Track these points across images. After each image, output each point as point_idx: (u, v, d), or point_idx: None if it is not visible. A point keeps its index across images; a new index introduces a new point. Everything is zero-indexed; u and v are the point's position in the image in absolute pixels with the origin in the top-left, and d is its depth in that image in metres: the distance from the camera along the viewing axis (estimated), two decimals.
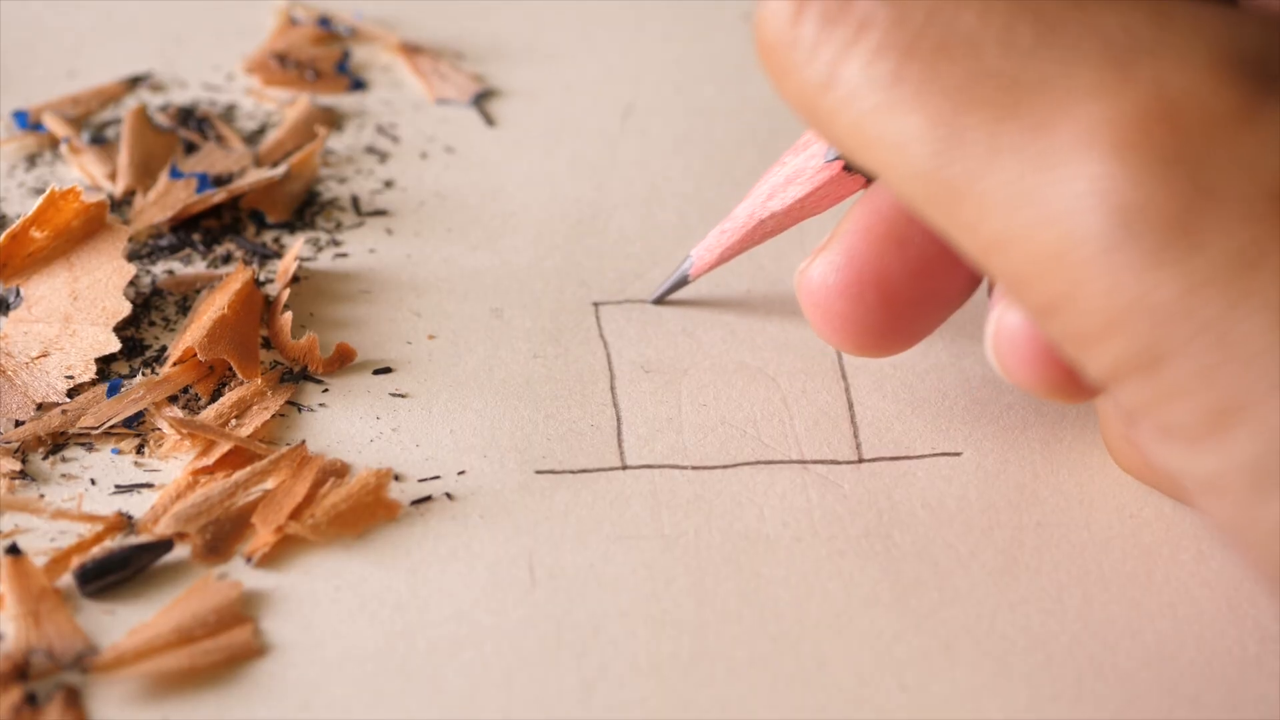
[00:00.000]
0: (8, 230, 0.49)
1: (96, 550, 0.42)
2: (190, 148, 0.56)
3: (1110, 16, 0.34)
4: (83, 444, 0.46)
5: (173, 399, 0.47)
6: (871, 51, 0.36)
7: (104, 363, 0.48)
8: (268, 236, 0.53)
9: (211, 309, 0.49)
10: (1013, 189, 0.34)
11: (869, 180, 0.44)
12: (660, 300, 0.51)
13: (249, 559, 0.42)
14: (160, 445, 0.45)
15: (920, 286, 0.43)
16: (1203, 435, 0.33)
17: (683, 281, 0.50)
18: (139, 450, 0.45)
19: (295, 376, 0.48)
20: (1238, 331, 0.32)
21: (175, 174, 0.54)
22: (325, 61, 0.61)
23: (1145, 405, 0.34)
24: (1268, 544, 0.33)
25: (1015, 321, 0.39)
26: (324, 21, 0.63)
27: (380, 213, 0.54)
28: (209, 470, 0.45)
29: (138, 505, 0.44)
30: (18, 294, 0.49)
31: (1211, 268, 0.32)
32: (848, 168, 0.44)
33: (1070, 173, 0.33)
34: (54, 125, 0.57)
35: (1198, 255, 0.32)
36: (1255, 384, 0.32)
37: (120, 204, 0.54)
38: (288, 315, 0.49)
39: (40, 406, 0.46)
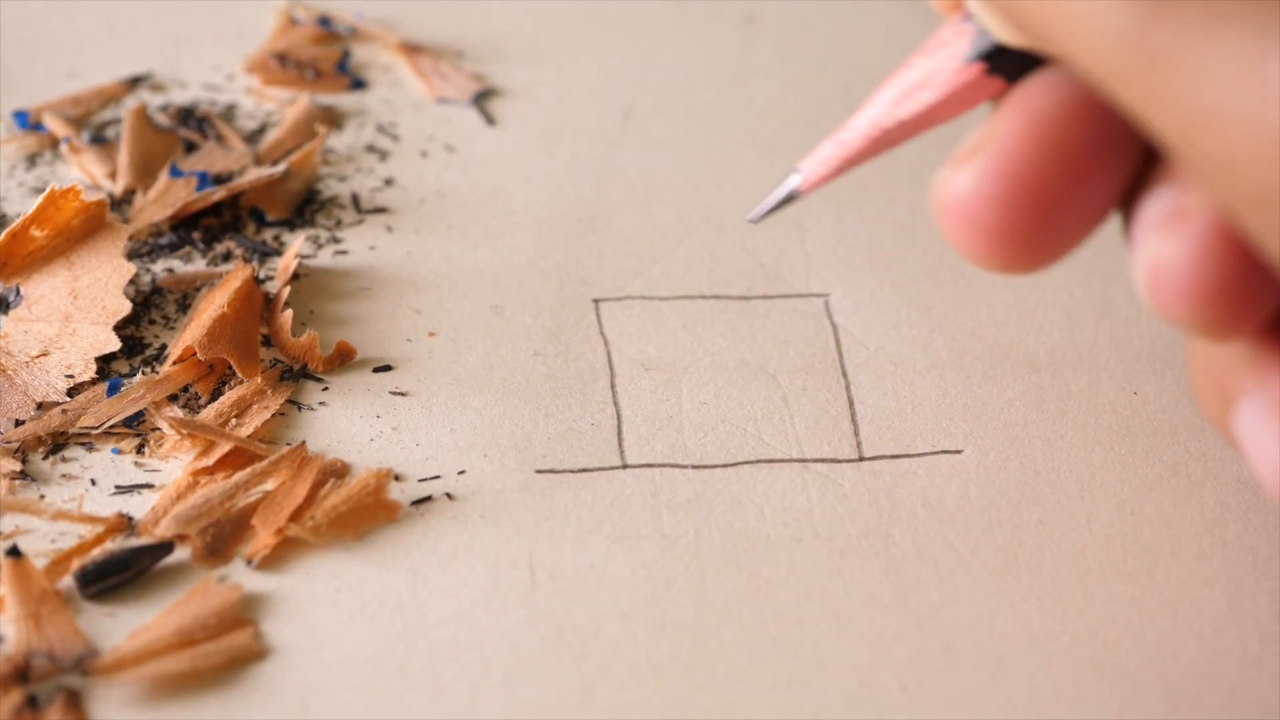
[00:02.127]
0: (8, 229, 0.49)
1: (97, 552, 0.42)
2: (190, 147, 0.56)
3: None
4: (83, 444, 0.46)
5: (173, 398, 0.47)
6: None
7: (104, 362, 0.48)
8: (268, 234, 0.53)
9: (211, 307, 0.49)
10: (1234, 62, 0.30)
11: (1011, 80, 0.40)
12: (761, 219, 0.46)
13: (249, 561, 0.42)
14: (160, 445, 0.45)
15: (1078, 193, 0.38)
16: None
17: (791, 198, 0.45)
18: (139, 450, 0.45)
19: (295, 375, 0.48)
20: None
21: (175, 173, 0.54)
22: (325, 61, 0.61)
23: None
24: None
25: (1177, 253, 0.35)
26: (324, 21, 0.63)
27: (380, 210, 0.54)
28: (209, 471, 0.45)
29: (138, 506, 0.44)
30: (18, 293, 0.49)
31: None
32: (991, 70, 0.40)
33: None
34: (54, 125, 0.57)
35: None
36: None
37: (120, 203, 0.54)
38: (288, 313, 0.49)
39: (40, 406, 0.46)
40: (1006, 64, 0.40)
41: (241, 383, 0.47)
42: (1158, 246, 0.36)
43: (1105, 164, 0.38)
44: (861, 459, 0.46)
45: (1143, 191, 0.38)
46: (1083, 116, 0.38)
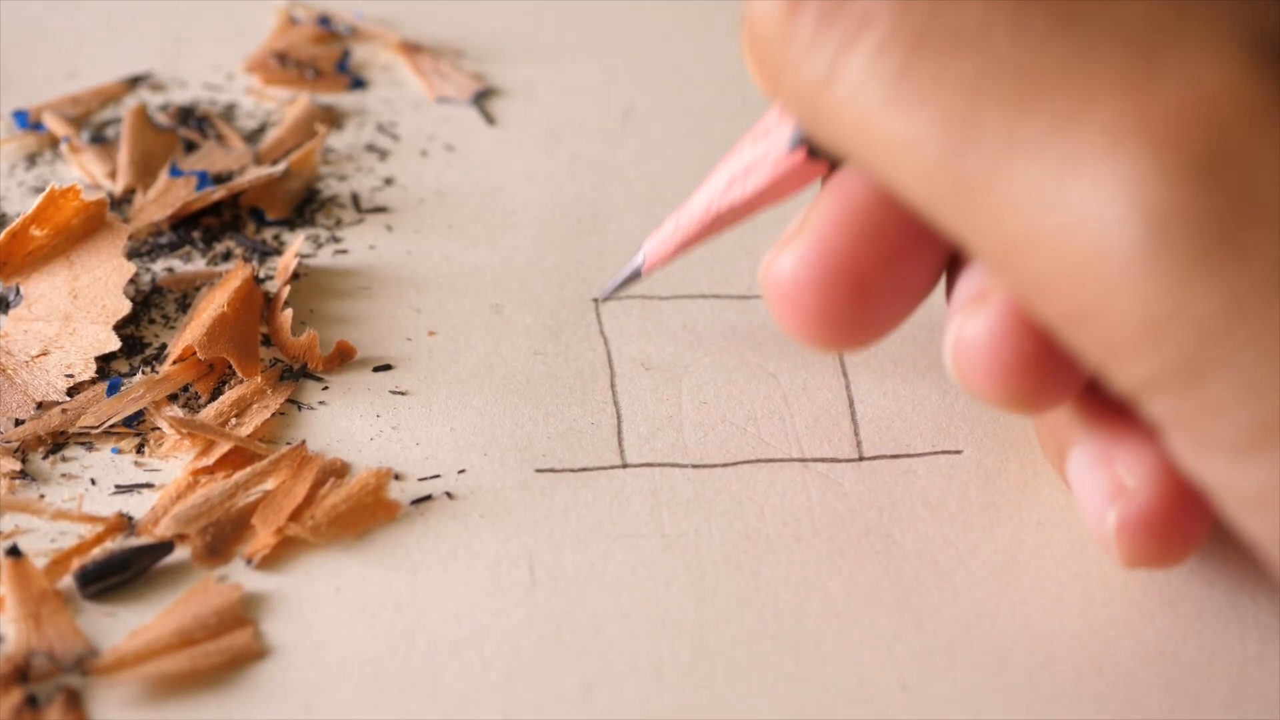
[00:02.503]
0: (8, 229, 0.49)
1: (97, 552, 0.42)
2: (190, 146, 0.56)
3: (1127, 1, 0.33)
4: (83, 443, 0.46)
5: (173, 397, 0.47)
6: (876, 46, 0.34)
7: (104, 361, 0.48)
8: (268, 234, 0.53)
9: (211, 307, 0.49)
10: (1035, 189, 0.32)
11: (832, 167, 0.42)
12: (609, 297, 0.49)
13: (249, 561, 0.42)
14: (160, 445, 0.45)
15: (893, 276, 0.40)
16: (1247, 449, 0.32)
17: (635, 277, 0.48)
18: (139, 450, 0.45)
19: (295, 374, 0.48)
20: None
21: (175, 172, 0.54)
22: (325, 60, 0.61)
23: (1183, 418, 0.32)
24: None
25: (977, 331, 0.37)
26: (324, 20, 0.63)
27: (380, 210, 0.54)
28: (209, 470, 0.45)
29: (138, 505, 0.44)
30: (18, 292, 0.49)
31: (1257, 278, 0.30)
32: (812, 155, 0.42)
33: (1099, 173, 0.31)
34: (54, 124, 0.57)
35: (1243, 264, 0.30)
36: None
37: (120, 202, 0.54)
38: (288, 312, 0.49)
39: (40, 405, 0.46)
40: (827, 150, 0.40)
41: (241, 382, 0.47)
42: (960, 324, 0.37)
43: (920, 249, 0.39)
44: (861, 458, 0.46)
45: (957, 271, 0.40)
46: (896, 203, 0.39)
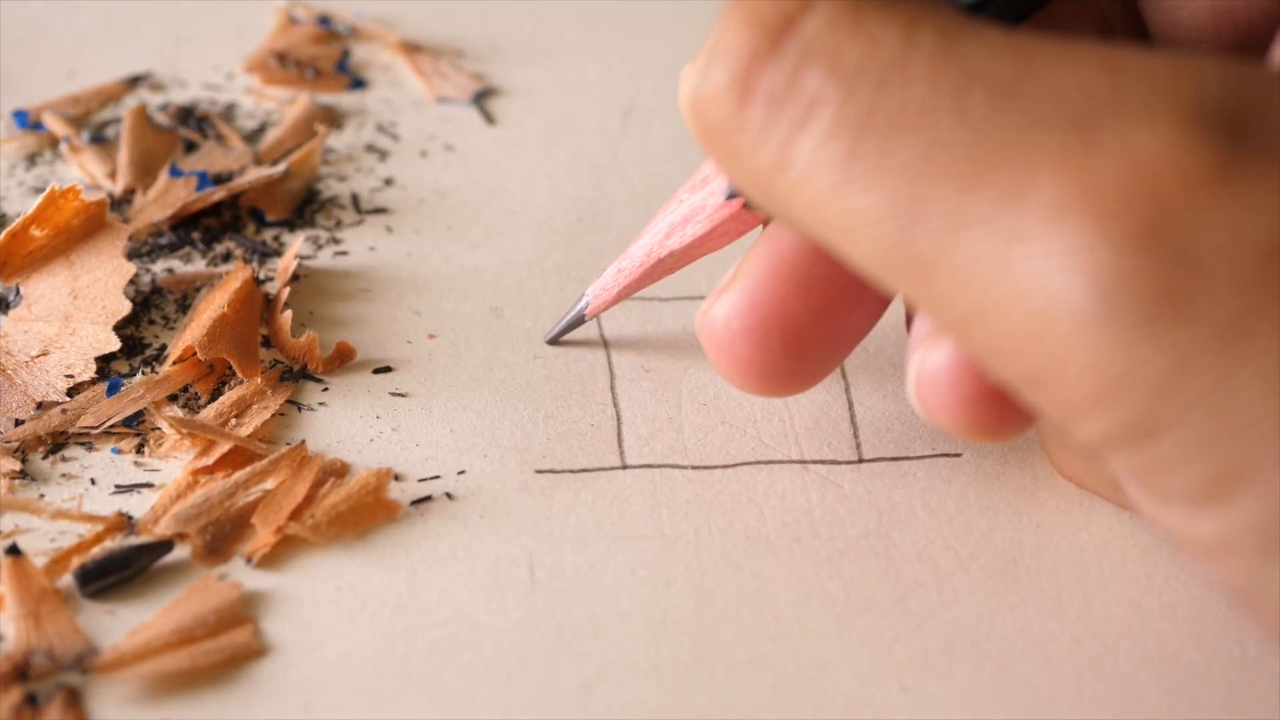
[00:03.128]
0: (8, 229, 0.49)
1: (97, 551, 0.42)
2: (190, 147, 0.56)
3: (1062, 75, 0.33)
4: (83, 443, 0.46)
5: (172, 398, 0.47)
6: (824, 130, 0.34)
7: (104, 361, 0.48)
8: (267, 235, 0.53)
9: (211, 307, 0.49)
10: (984, 263, 0.33)
11: (769, 218, 0.42)
12: (555, 341, 0.50)
13: (249, 559, 0.42)
14: (160, 445, 0.45)
15: (824, 327, 0.41)
16: (1203, 501, 0.33)
17: (579, 321, 0.49)
18: (139, 450, 0.45)
19: (295, 375, 0.48)
20: (1234, 401, 0.31)
21: (175, 173, 0.54)
22: (325, 60, 0.61)
23: (1140, 473, 0.33)
24: (1276, 605, 0.33)
25: (938, 364, 0.38)
26: (324, 20, 0.63)
27: (380, 211, 0.54)
28: (209, 470, 0.45)
29: (138, 505, 0.44)
30: (18, 293, 0.49)
31: (1203, 338, 0.31)
32: (748, 205, 0.43)
33: (1045, 246, 0.32)
34: (54, 124, 0.57)
35: (1187, 326, 0.31)
36: (1256, 451, 0.31)
37: (120, 203, 0.54)
38: (287, 314, 0.49)
39: (40, 406, 0.46)
40: None
41: (241, 383, 0.47)
42: (921, 358, 0.38)
43: (851, 300, 0.41)
44: (861, 461, 0.46)
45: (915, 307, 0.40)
46: (828, 255, 0.40)
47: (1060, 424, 0.34)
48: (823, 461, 0.46)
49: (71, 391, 0.47)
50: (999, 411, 0.37)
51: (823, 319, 0.41)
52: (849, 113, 0.34)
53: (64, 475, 0.45)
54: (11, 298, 0.49)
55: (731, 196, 0.43)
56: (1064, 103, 0.33)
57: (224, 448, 0.45)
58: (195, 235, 0.53)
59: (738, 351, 0.41)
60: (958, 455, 0.46)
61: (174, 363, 0.48)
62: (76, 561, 0.42)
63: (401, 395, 0.47)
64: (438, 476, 0.45)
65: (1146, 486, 0.34)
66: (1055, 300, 0.32)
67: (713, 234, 0.44)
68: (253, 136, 0.57)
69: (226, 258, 0.52)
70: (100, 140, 0.57)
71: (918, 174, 0.33)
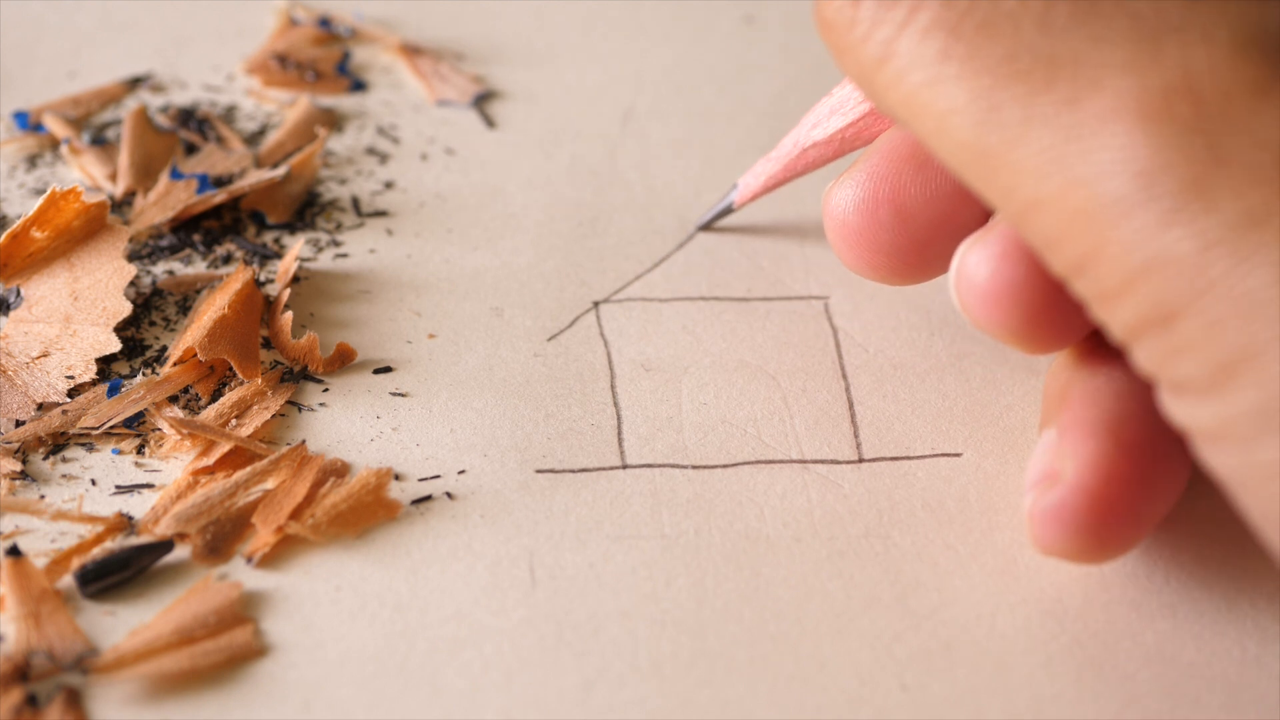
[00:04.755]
0: (8, 230, 0.49)
1: (97, 551, 0.42)
2: (191, 149, 0.56)
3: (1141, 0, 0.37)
4: (83, 444, 0.46)
5: (173, 399, 0.47)
6: (922, 30, 0.38)
7: (104, 363, 0.48)
8: (268, 237, 0.53)
9: (212, 309, 0.49)
10: (1046, 157, 0.36)
11: None
12: (706, 227, 0.53)
13: (249, 559, 0.42)
14: (160, 445, 0.45)
15: (936, 210, 0.44)
16: (1210, 388, 0.35)
17: (727, 210, 0.52)
18: (139, 450, 0.45)
19: (295, 376, 0.48)
20: (1243, 286, 0.34)
21: (176, 175, 0.54)
22: (325, 62, 0.61)
23: (1160, 362, 0.36)
24: (1268, 487, 0.34)
25: (977, 259, 0.41)
26: (324, 22, 0.63)
27: (380, 213, 0.54)
28: (209, 470, 0.45)
29: (138, 506, 0.44)
30: (18, 294, 0.49)
31: (1222, 227, 0.34)
32: None
33: (1099, 143, 0.35)
34: (54, 126, 0.57)
35: (1210, 215, 0.34)
36: (1258, 335, 0.34)
37: (121, 205, 0.54)
38: (288, 315, 0.49)
39: (41, 406, 0.46)
40: None
41: (242, 384, 0.47)
42: (965, 252, 0.41)
43: (962, 188, 0.44)
44: (861, 460, 0.46)
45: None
46: None
47: (1099, 316, 0.37)
48: (823, 461, 0.46)
49: (72, 392, 0.47)
50: (1039, 313, 0.40)
51: (934, 202, 0.44)
52: (945, 15, 0.38)
53: (64, 476, 0.45)
54: (12, 299, 0.49)
55: None
56: (1138, 22, 0.37)
57: (224, 448, 0.45)
58: (196, 237, 0.53)
59: (851, 224, 0.45)
60: (958, 455, 0.46)
61: (174, 364, 0.48)
62: (77, 562, 0.42)
63: (402, 395, 0.47)
64: (438, 476, 0.45)
65: (1165, 379, 0.36)
66: (1102, 189, 0.35)
67: (854, 128, 0.47)
68: (253, 139, 0.57)
69: (227, 260, 0.52)
70: (101, 142, 0.57)
71: (997, 74, 0.37)
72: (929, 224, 0.45)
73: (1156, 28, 0.37)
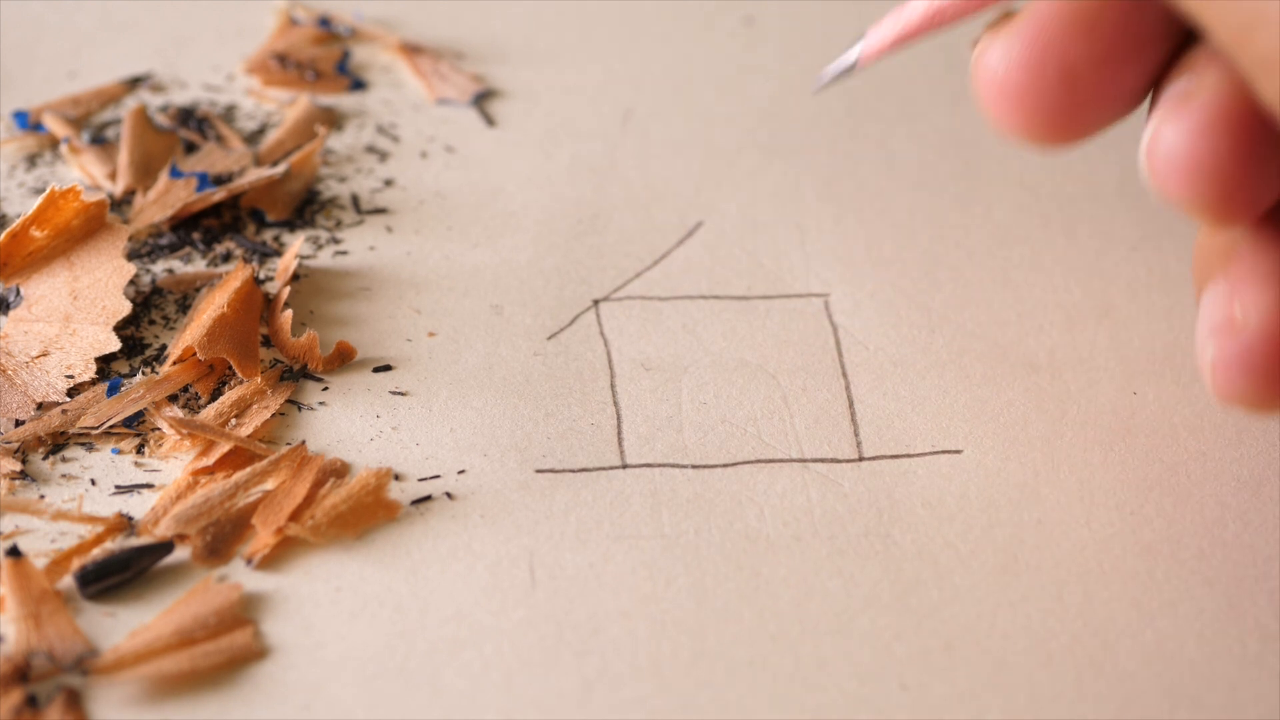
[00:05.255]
0: (8, 230, 0.49)
1: (97, 552, 0.42)
2: (190, 148, 0.56)
3: None
4: (83, 444, 0.46)
5: (173, 398, 0.47)
6: None
7: (104, 362, 0.48)
8: (268, 235, 0.53)
9: (211, 307, 0.49)
10: None
11: None
12: (824, 88, 0.49)
13: (249, 561, 0.42)
14: (160, 445, 0.45)
15: (1102, 74, 0.42)
16: None
17: (851, 67, 0.48)
18: (139, 450, 0.45)
19: (295, 374, 0.48)
20: None
21: (175, 173, 0.54)
22: (325, 62, 0.61)
23: None
24: None
25: (1175, 131, 0.39)
26: (324, 22, 0.63)
27: (380, 211, 0.54)
28: (209, 470, 0.45)
29: (138, 506, 0.44)
30: (18, 293, 0.49)
31: None
32: None
33: None
34: (54, 125, 0.57)
35: None
36: None
37: (120, 203, 0.54)
38: (288, 313, 0.49)
39: (40, 406, 0.46)
40: None
41: (241, 383, 0.47)
42: (1159, 126, 0.39)
43: (1134, 49, 0.41)
44: (861, 459, 0.46)
45: (1165, 79, 0.41)
46: (1113, 4, 0.41)
47: None
48: (823, 460, 0.46)
49: (72, 392, 0.47)
50: (1236, 186, 0.38)
51: (1102, 64, 0.42)
52: None
53: (64, 476, 0.45)
54: (12, 298, 0.49)
55: None
56: None
57: (224, 448, 0.45)
58: (195, 236, 0.53)
59: (1013, 82, 0.42)
60: (958, 452, 0.46)
61: (174, 363, 0.48)
62: (77, 563, 0.42)
63: (401, 394, 0.47)
64: (438, 476, 0.45)
65: None
66: None
67: None
68: (253, 137, 0.57)
69: (227, 258, 0.52)
70: (100, 141, 0.57)
71: None
72: (1094, 86, 0.42)
73: None
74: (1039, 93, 0.42)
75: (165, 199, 0.53)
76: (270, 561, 0.42)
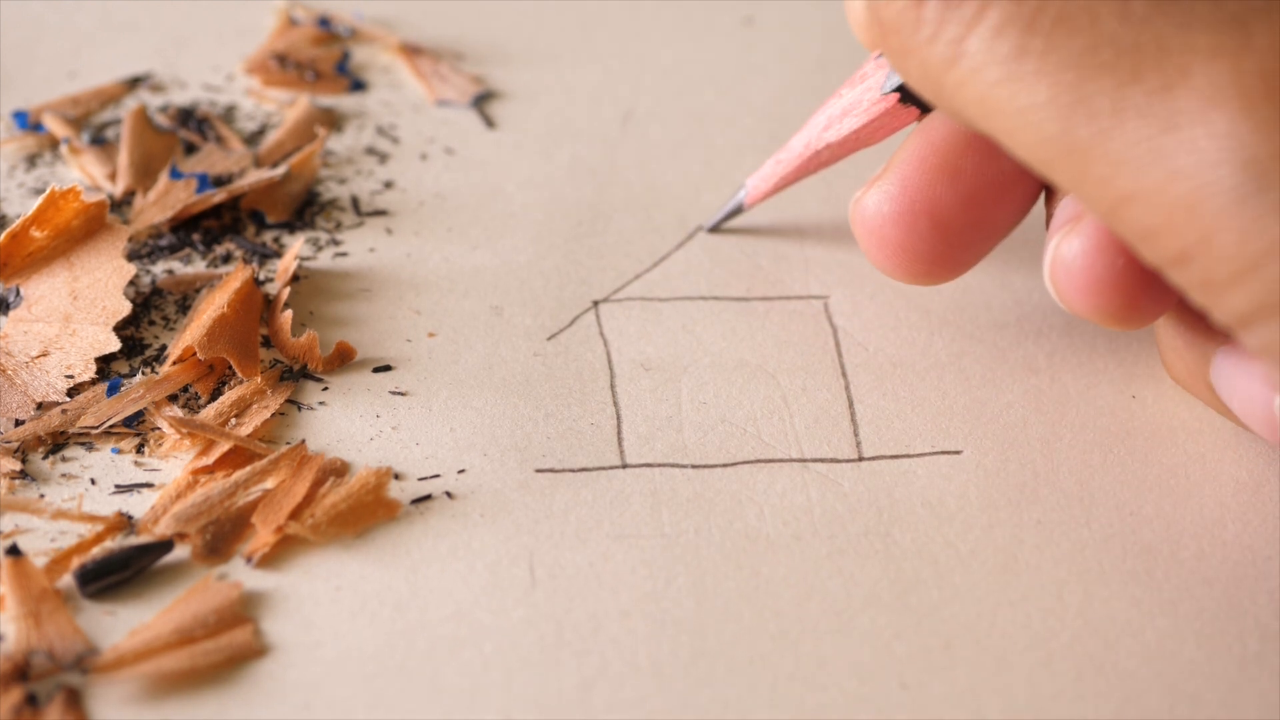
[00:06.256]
0: (8, 230, 0.49)
1: (97, 551, 0.42)
2: (190, 148, 0.56)
3: None
4: (83, 444, 0.46)
5: (173, 398, 0.47)
6: (994, 28, 0.38)
7: (104, 362, 0.48)
8: (268, 236, 0.53)
9: (211, 308, 0.49)
10: (1141, 148, 0.35)
11: (923, 112, 0.45)
12: (715, 229, 0.53)
13: (249, 559, 0.42)
14: (160, 445, 0.45)
15: (971, 214, 0.44)
16: None
17: (737, 210, 0.52)
18: (139, 450, 0.45)
19: (295, 375, 0.48)
20: None
21: (175, 174, 0.54)
22: (325, 62, 0.61)
23: (1277, 349, 0.36)
24: None
25: (1072, 250, 0.41)
26: (324, 22, 0.63)
27: (380, 213, 0.54)
28: (209, 470, 0.45)
29: (138, 505, 0.44)
30: (18, 294, 0.49)
31: None
32: (903, 100, 0.45)
33: (1198, 131, 0.35)
34: (54, 126, 0.57)
35: None
36: None
37: (120, 204, 0.54)
38: (288, 313, 0.49)
39: (40, 406, 0.46)
40: (917, 96, 0.45)
41: (241, 383, 0.47)
42: (1059, 243, 0.41)
43: (999, 192, 0.44)
44: (861, 459, 0.46)
45: (1053, 199, 0.44)
46: (978, 148, 0.44)
47: (1203, 303, 0.37)
48: (823, 460, 0.46)
49: (72, 392, 0.47)
50: (1129, 295, 0.40)
51: (970, 206, 0.44)
52: (1017, 13, 0.37)
53: (64, 475, 0.45)
54: (11, 298, 0.49)
55: (889, 92, 0.45)
56: (1218, 6, 0.36)
57: (224, 447, 0.45)
58: (195, 237, 0.53)
59: (888, 235, 0.45)
60: (958, 453, 0.46)
61: (174, 363, 0.48)
62: (76, 562, 0.42)
63: (401, 394, 0.47)
64: (438, 475, 0.45)
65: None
66: (1207, 179, 0.34)
67: (868, 127, 0.46)
68: (253, 139, 0.57)
69: (227, 259, 0.52)
70: (100, 142, 0.57)
71: (1081, 69, 0.36)
72: (965, 228, 0.44)
73: (1239, 11, 0.36)
74: (914, 241, 0.45)
75: (165, 200, 0.53)
76: (270, 560, 0.42)
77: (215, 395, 0.47)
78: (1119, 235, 0.38)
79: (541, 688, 0.40)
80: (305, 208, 0.54)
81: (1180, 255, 0.36)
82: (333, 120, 0.58)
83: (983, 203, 0.44)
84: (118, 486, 0.44)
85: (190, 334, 0.48)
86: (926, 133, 0.45)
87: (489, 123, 0.59)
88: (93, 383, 0.47)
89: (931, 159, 0.44)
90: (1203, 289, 0.36)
